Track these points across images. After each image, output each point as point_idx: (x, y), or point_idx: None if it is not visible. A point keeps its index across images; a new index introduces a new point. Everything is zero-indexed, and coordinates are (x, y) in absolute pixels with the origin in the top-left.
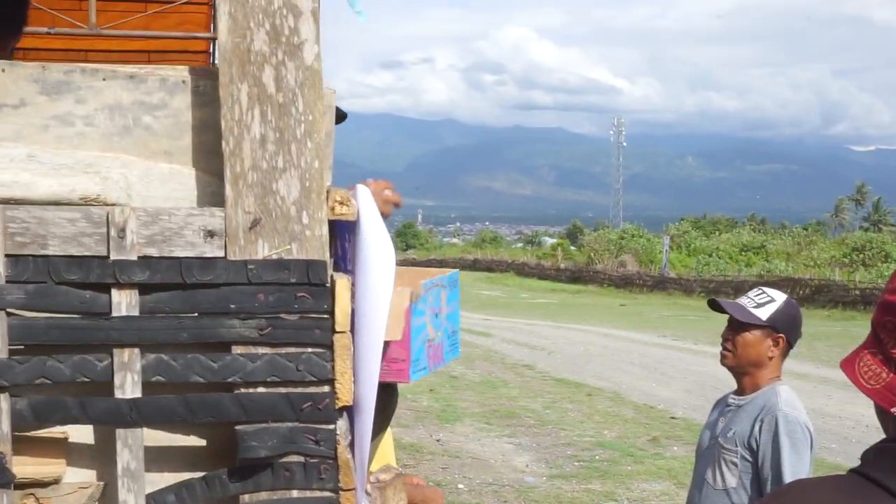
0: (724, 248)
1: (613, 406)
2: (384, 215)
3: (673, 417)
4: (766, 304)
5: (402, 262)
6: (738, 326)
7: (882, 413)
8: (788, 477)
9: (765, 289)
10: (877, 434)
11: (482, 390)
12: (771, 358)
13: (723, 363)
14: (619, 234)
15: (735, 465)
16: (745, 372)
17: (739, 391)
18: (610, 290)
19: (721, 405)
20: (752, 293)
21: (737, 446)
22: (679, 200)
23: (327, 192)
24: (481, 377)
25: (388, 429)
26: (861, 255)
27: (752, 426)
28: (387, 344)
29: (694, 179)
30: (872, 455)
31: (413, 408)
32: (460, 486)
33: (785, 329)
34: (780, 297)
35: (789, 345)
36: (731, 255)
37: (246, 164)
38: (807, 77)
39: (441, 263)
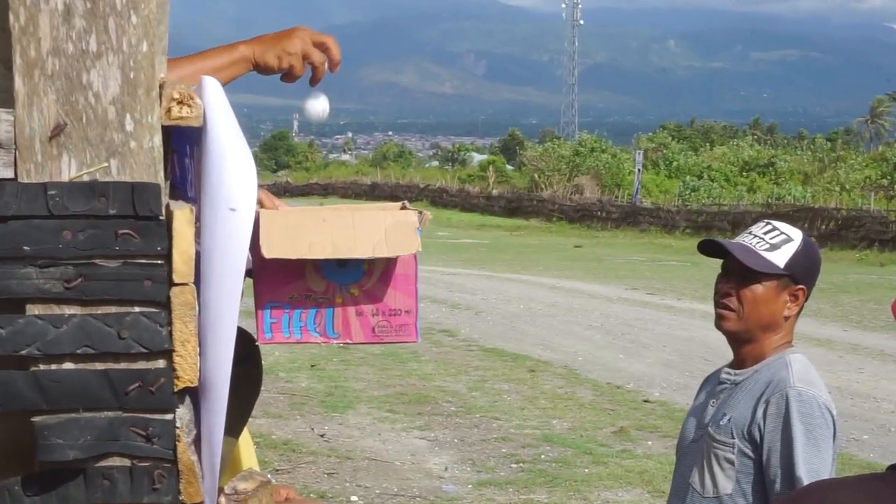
0: (719, 166)
1: (565, 386)
2: (316, 76)
3: (647, 401)
4: (781, 245)
5: (269, 188)
6: (744, 276)
7: None
8: (804, 477)
9: (775, 223)
10: None
11: (384, 366)
12: (787, 318)
13: (720, 326)
14: (574, 149)
15: (731, 463)
16: (750, 338)
17: (737, 363)
18: (561, 226)
19: (711, 383)
20: (758, 229)
21: (733, 437)
22: (657, 101)
23: (160, 86)
24: (382, 347)
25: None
26: None
27: (754, 410)
28: (383, 285)
29: (678, 72)
30: None
31: (286, 390)
32: (353, 497)
33: (805, 278)
34: (796, 235)
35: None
36: (728, 177)
37: (44, 46)
38: None
39: (326, 189)
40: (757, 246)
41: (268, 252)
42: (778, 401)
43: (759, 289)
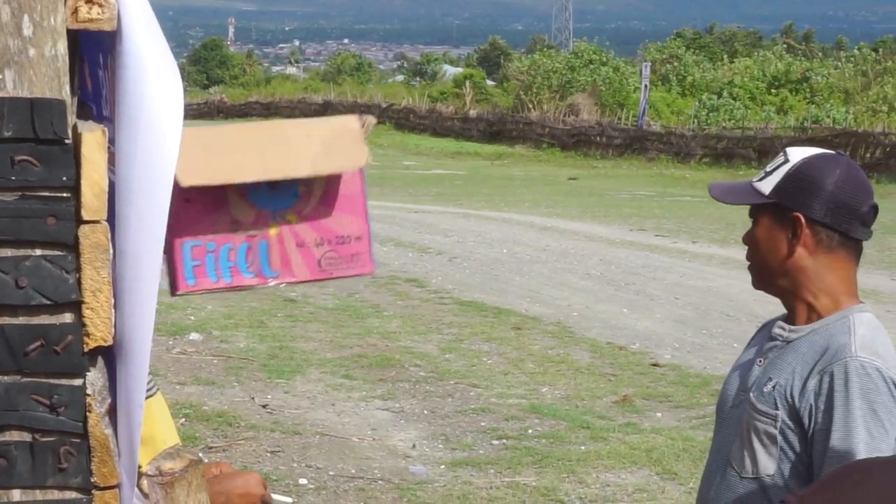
0: (742, 82)
1: (557, 346)
2: None
3: (655, 364)
4: (775, 170)
5: (200, 107)
6: (751, 220)
7: None
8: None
9: (791, 149)
10: None
11: (338, 322)
12: (792, 256)
13: (756, 286)
14: (568, 61)
15: (773, 439)
16: (783, 291)
17: (791, 318)
18: (552, 154)
19: (763, 335)
20: (770, 162)
21: (777, 409)
22: (668, 2)
23: None
24: (337, 300)
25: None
26: None
27: (805, 380)
28: (326, 208)
29: None
30: None
31: (221, 351)
32: (302, 480)
33: (797, 201)
34: (798, 156)
35: (837, 232)
36: (754, 95)
37: None
38: None
39: (268, 108)
40: (754, 181)
41: (185, 178)
42: (838, 373)
43: (756, 229)
